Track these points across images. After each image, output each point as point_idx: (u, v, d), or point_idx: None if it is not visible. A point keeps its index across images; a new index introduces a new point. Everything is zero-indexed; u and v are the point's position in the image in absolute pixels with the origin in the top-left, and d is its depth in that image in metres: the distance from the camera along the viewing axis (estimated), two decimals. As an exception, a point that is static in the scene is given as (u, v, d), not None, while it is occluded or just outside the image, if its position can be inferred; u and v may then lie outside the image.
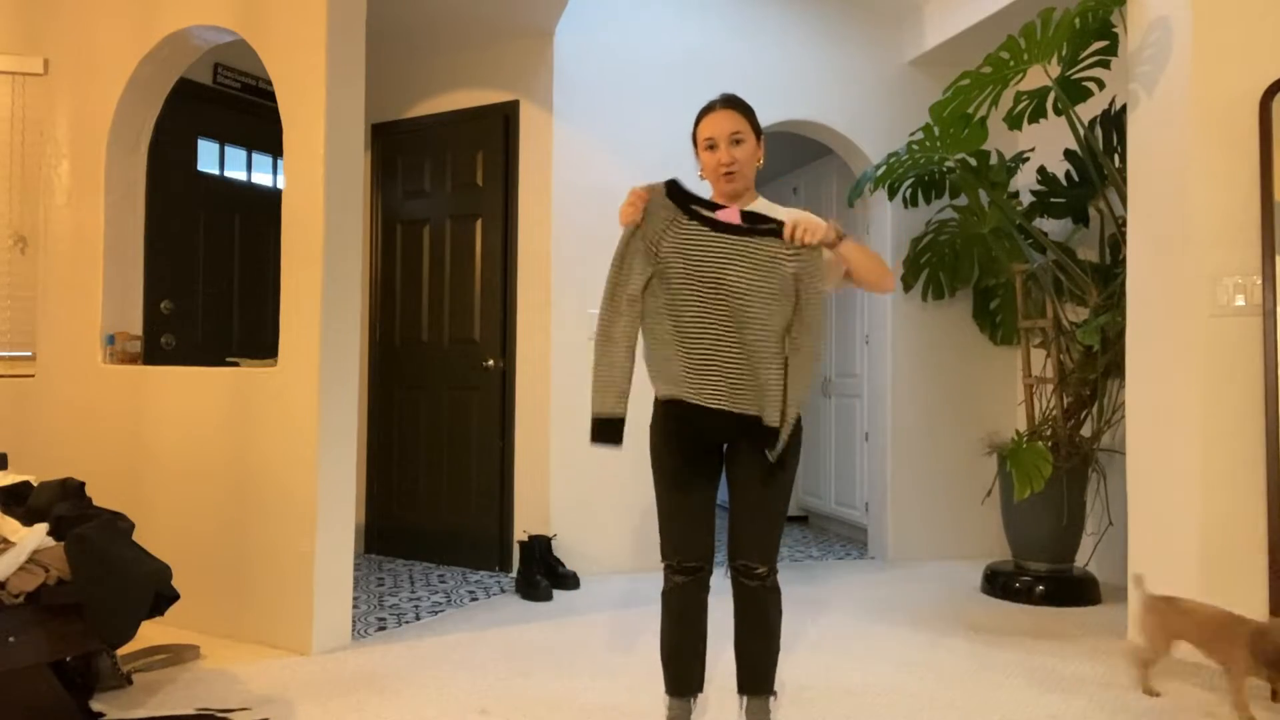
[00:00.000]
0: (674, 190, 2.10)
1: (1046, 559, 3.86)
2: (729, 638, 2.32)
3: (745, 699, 2.27)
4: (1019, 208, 4.20)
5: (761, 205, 2.27)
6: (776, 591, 2.22)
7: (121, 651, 2.71)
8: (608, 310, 2.10)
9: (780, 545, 2.23)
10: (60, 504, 2.44)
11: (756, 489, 2.18)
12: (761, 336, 2.03)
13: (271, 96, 3.28)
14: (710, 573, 2.25)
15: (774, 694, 2.27)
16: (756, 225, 2.05)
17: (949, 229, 4.41)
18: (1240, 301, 2.95)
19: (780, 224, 2.05)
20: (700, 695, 2.33)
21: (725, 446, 2.25)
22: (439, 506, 4.48)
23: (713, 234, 2.06)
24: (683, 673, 2.26)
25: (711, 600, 2.30)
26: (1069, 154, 4.10)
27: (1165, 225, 3.16)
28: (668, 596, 2.25)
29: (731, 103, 2.23)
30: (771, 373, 2.03)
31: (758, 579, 2.19)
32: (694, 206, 2.09)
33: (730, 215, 2.07)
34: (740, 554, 2.20)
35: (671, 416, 2.14)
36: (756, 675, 2.24)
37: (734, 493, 2.23)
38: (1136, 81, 3.30)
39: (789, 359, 2.04)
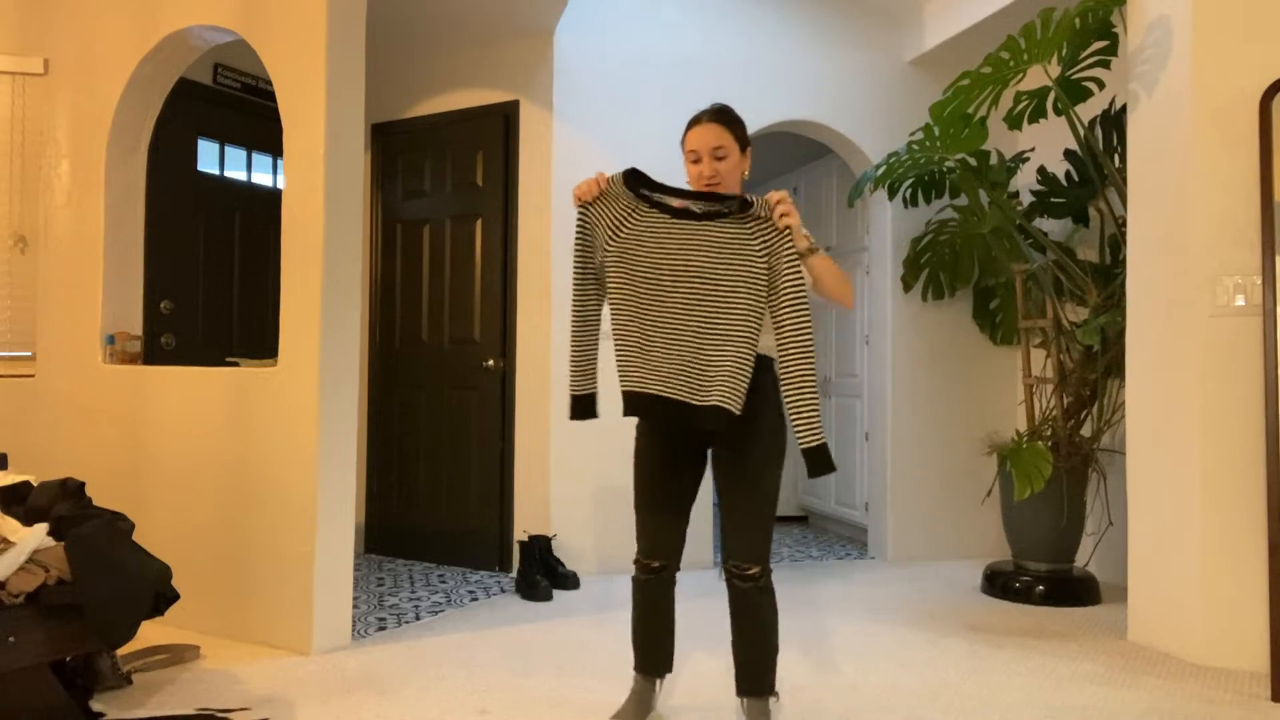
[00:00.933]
0: (632, 179, 2.13)
1: (1046, 559, 3.86)
2: (725, 639, 2.31)
3: (745, 701, 2.28)
4: (1019, 208, 4.20)
5: None
6: (770, 593, 2.24)
7: (121, 651, 2.71)
8: (579, 294, 2.18)
9: (772, 544, 2.25)
10: (60, 504, 2.43)
11: (740, 490, 2.20)
12: (731, 319, 2.02)
13: (271, 96, 3.28)
14: (676, 568, 2.33)
15: (775, 695, 2.27)
16: (719, 210, 2.06)
17: (949, 229, 4.41)
18: (1240, 301, 2.95)
19: (744, 200, 2.05)
20: (669, 675, 2.45)
21: (710, 450, 2.28)
22: (439, 506, 4.48)
23: (673, 220, 2.07)
24: (649, 655, 2.37)
25: (709, 602, 2.31)
26: (1069, 154, 4.10)
27: (1165, 225, 3.16)
28: (635, 586, 2.35)
29: (718, 116, 2.24)
30: (740, 354, 2.02)
31: (750, 580, 2.20)
32: (653, 194, 2.11)
33: (689, 203, 2.09)
34: (731, 555, 2.23)
35: (639, 414, 2.14)
36: (755, 677, 2.26)
37: (720, 496, 2.25)
38: (1136, 81, 3.30)
39: (779, 340, 2.04)
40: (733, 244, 2.03)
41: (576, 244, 2.18)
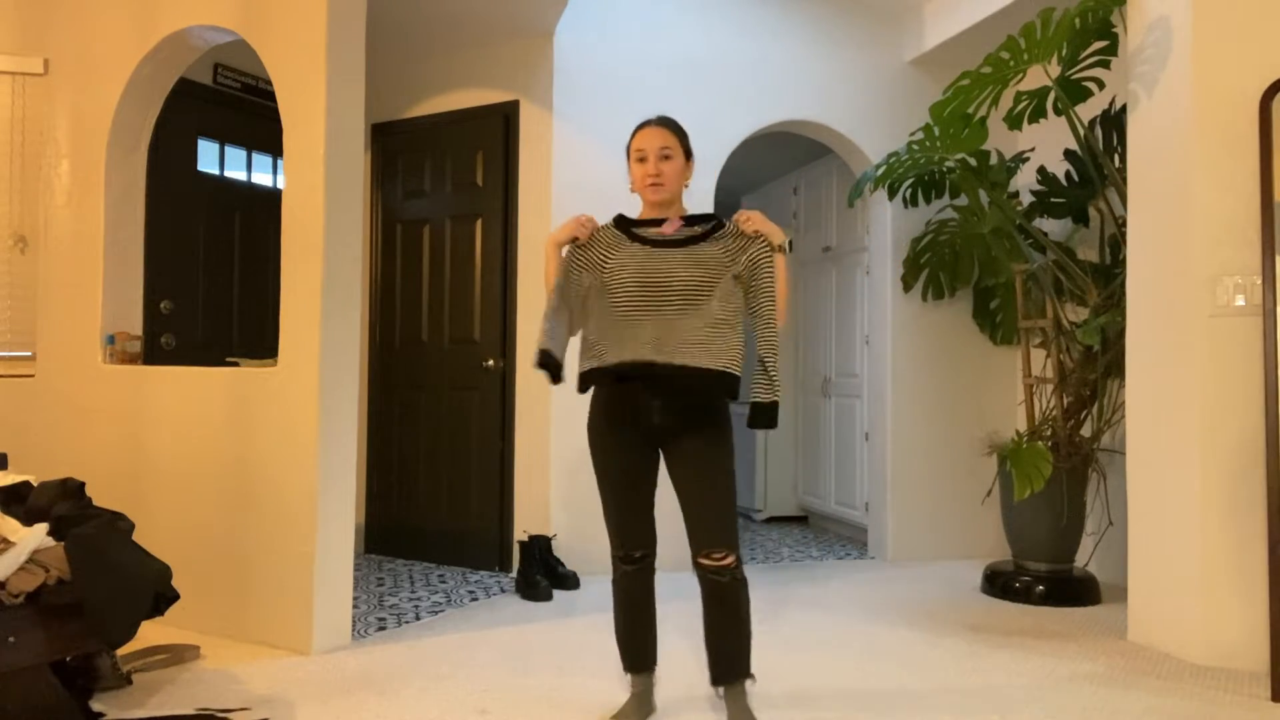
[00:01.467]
0: (620, 220, 2.37)
1: (1046, 559, 3.86)
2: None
3: (724, 689, 2.32)
4: (1019, 208, 4.20)
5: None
6: (745, 583, 2.29)
7: (121, 651, 2.71)
8: (555, 308, 2.35)
9: (739, 530, 2.31)
10: (60, 504, 2.44)
11: (707, 478, 2.26)
12: (708, 322, 2.22)
13: (271, 96, 3.27)
14: (654, 556, 2.40)
15: (752, 676, 2.33)
16: (695, 235, 2.30)
17: (949, 229, 4.41)
18: (1240, 301, 2.95)
19: (718, 221, 2.33)
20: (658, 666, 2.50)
21: (660, 448, 2.33)
22: (439, 506, 4.47)
23: (655, 249, 2.29)
24: (640, 651, 2.43)
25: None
26: (1069, 154, 4.10)
27: (1165, 225, 3.16)
28: (619, 584, 2.41)
29: (665, 122, 2.38)
30: (721, 344, 2.22)
31: (728, 573, 2.25)
32: (636, 230, 2.33)
33: (671, 228, 2.32)
34: (703, 545, 2.25)
35: (603, 393, 2.29)
36: (733, 663, 2.30)
37: (681, 488, 2.29)
38: (1136, 81, 3.30)
39: (757, 327, 2.26)
40: (706, 261, 2.27)
41: (565, 266, 2.35)
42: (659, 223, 2.33)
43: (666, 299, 2.23)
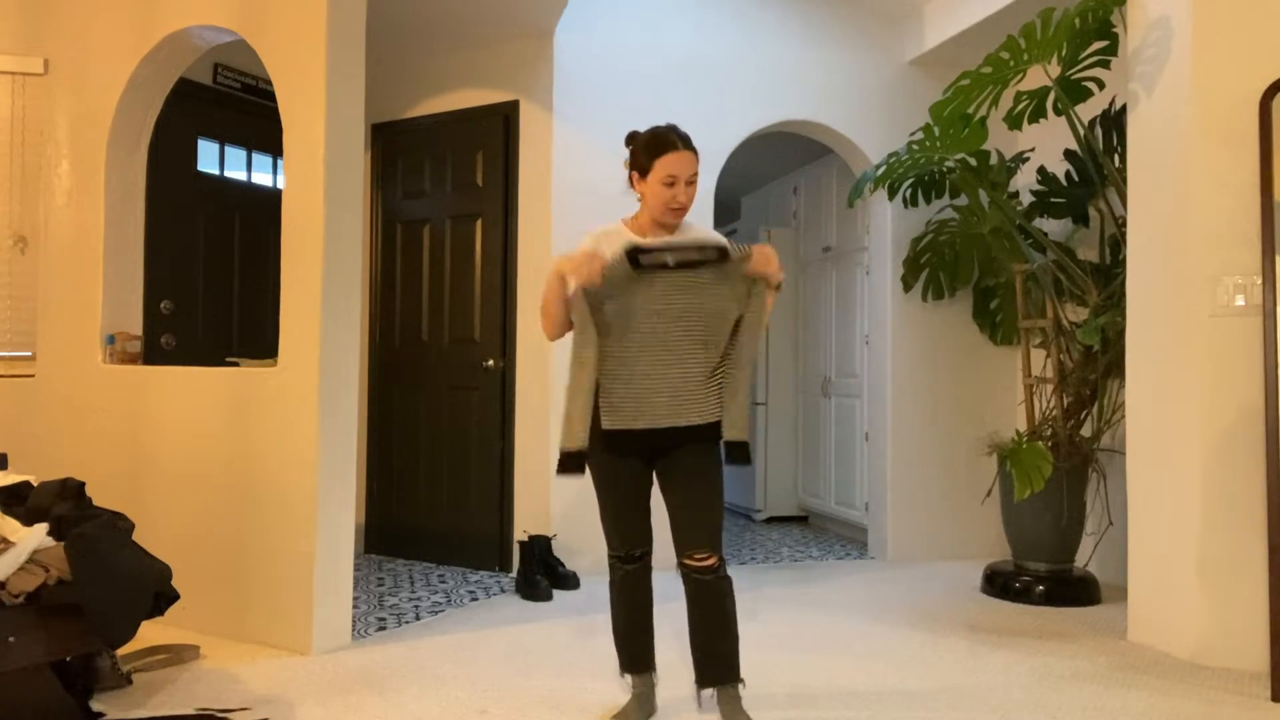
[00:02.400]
0: (631, 254, 2.25)
1: (1046, 559, 3.85)
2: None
3: (715, 691, 2.33)
4: (1019, 208, 4.20)
5: (693, 231, 2.42)
6: (730, 581, 2.31)
7: (121, 651, 2.71)
8: (581, 349, 2.26)
9: (722, 535, 2.34)
10: (60, 504, 2.44)
11: (702, 487, 2.29)
12: (711, 350, 2.27)
13: (271, 96, 3.28)
14: (651, 556, 2.42)
15: (742, 680, 2.33)
16: (705, 260, 2.26)
17: (949, 229, 4.41)
18: (1240, 301, 2.95)
19: (722, 248, 2.25)
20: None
21: (654, 450, 2.35)
22: (439, 506, 4.48)
23: (661, 277, 2.25)
24: (640, 650, 2.43)
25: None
26: (1069, 154, 4.10)
27: (1165, 225, 3.16)
28: (620, 584, 2.41)
29: (690, 143, 2.31)
30: (718, 381, 2.29)
31: (712, 573, 2.27)
32: (643, 258, 2.25)
33: (674, 258, 2.26)
34: (691, 546, 2.28)
35: (622, 439, 2.27)
36: (724, 666, 2.31)
37: (669, 489, 2.32)
38: (1136, 81, 3.30)
39: (734, 370, 2.31)
40: (710, 290, 2.25)
41: (583, 303, 2.26)
42: (667, 246, 2.29)
43: (674, 329, 2.24)
